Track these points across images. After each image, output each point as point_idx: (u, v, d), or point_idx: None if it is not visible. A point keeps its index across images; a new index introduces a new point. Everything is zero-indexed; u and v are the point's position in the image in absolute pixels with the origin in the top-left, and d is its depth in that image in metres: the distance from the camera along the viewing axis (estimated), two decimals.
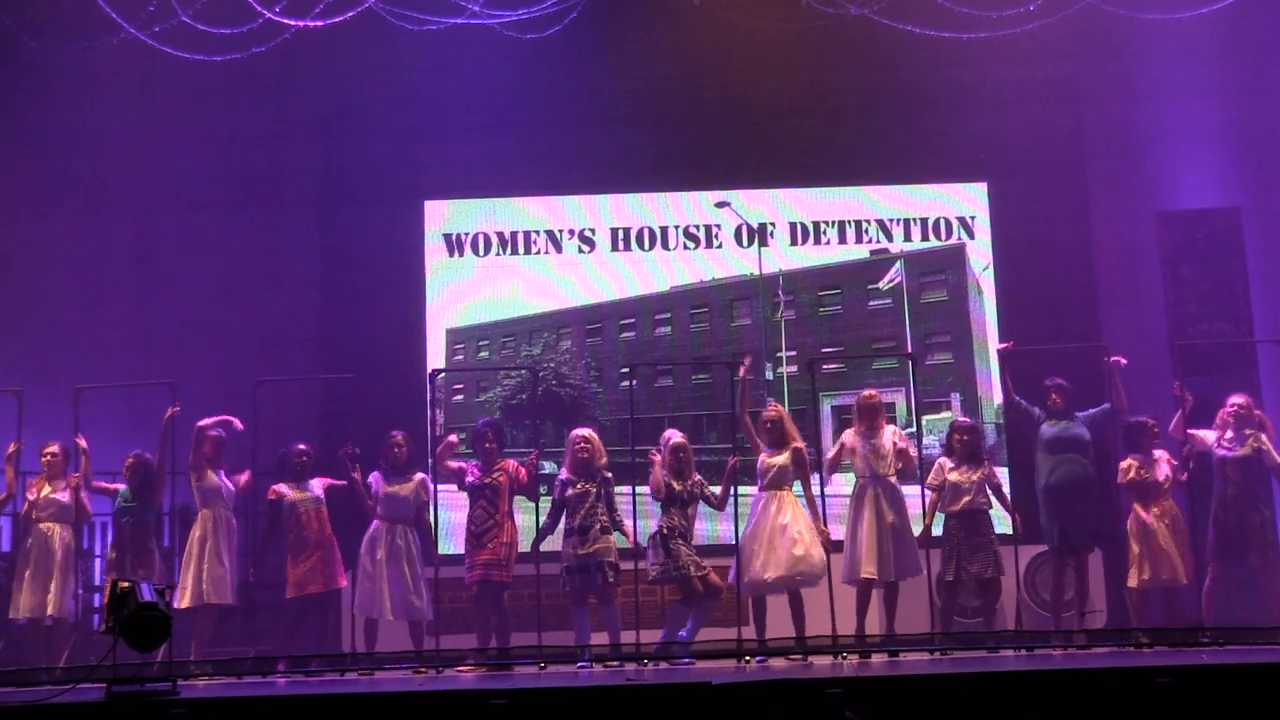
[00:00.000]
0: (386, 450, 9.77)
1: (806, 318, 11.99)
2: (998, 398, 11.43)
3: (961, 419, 10.34)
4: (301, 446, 9.86)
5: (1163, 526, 9.60)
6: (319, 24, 10.57)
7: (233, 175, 11.83)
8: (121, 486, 9.89)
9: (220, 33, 10.45)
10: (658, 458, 9.56)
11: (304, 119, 12.07)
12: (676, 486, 9.47)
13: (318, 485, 9.79)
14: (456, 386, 11.93)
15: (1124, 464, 9.76)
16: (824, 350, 11.73)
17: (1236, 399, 9.72)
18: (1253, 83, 11.59)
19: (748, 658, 9.08)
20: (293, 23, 10.54)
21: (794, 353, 11.79)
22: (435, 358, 11.86)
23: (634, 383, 10.48)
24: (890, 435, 9.71)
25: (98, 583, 10.72)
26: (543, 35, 10.74)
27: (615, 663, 9.09)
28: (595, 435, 9.72)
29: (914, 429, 10.46)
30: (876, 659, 9.05)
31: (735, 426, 9.86)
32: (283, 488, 9.74)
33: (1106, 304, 11.65)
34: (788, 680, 7.52)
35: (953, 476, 9.57)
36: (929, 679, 7.57)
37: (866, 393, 9.97)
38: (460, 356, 12.05)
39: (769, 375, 11.80)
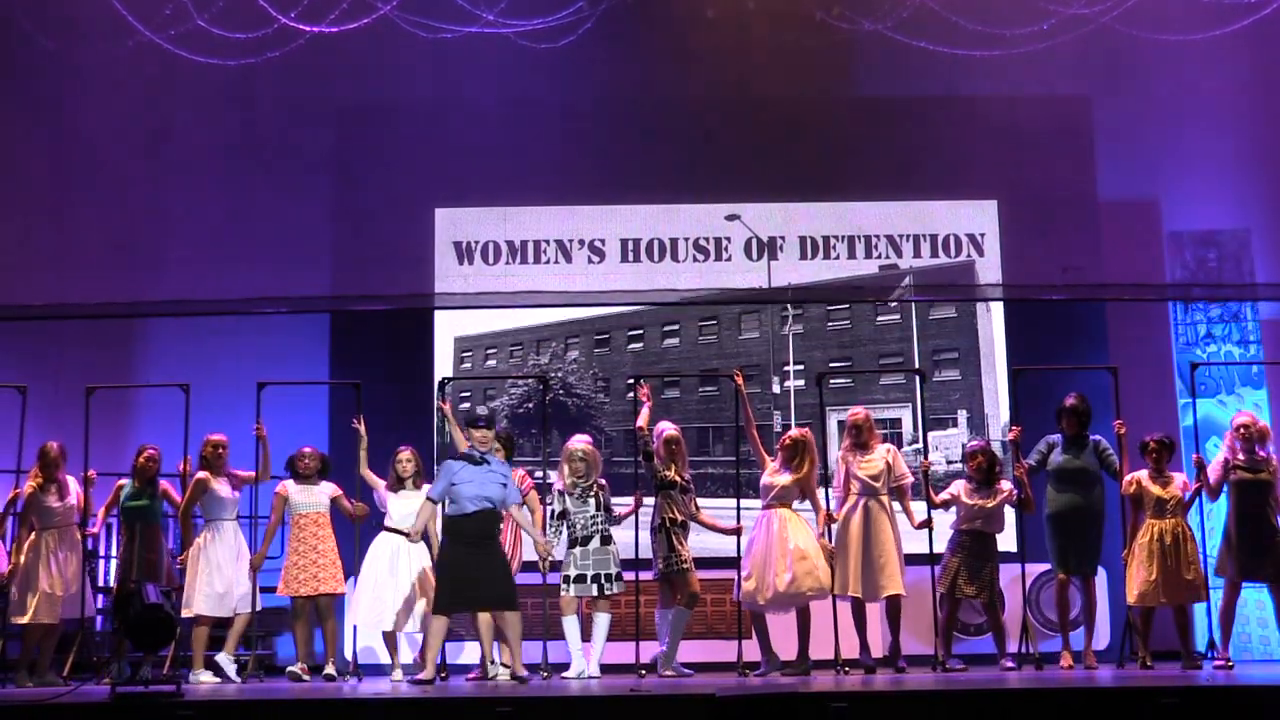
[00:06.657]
0: (392, 464, 9.73)
1: (814, 331, 12.01)
2: (1004, 414, 11.43)
3: (974, 442, 10.28)
4: (308, 449, 9.85)
5: (1170, 545, 9.50)
6: (334, 30, 10.61)
7: (244, 179, 11.84)
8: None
9: (235, 38, 10.52)
10: (647, 398, 9.52)
11: (316, 124, 12.08)
12: (671, 475, 9.46)
13: (324, 493, 9.77)
14: (464, 394, 11.95)
15: (1128, 477, 9.68)
16: (832, 364, 11.74)
17: (1241, 418, 9.63)
18: (1265, 104, 11.61)
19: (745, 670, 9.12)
20: (308, 29, 10.58)
21: (801, 366, 11.81)
22: (443, 365, 11.89)
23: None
24: (882, 453, 9.62)
25: (102, 584, 10.74)
26: (557, 45, 10.78)
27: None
28: (592, 445, 9.61)
29: (920, 445, 10.45)
30: (880, 673, 9.04)
31: (742, 439, 9.84)
32: (289, 486, 9.65)
33: (1115, 323, 11.64)
34: (792, 693, 7.52)
35: (968, 500, 9.57)
36: (933, 694, 7.57)
37: (853, 410, 9.84)
38: (468, 364, 12.07)
39: (776, 389, 11.81)
